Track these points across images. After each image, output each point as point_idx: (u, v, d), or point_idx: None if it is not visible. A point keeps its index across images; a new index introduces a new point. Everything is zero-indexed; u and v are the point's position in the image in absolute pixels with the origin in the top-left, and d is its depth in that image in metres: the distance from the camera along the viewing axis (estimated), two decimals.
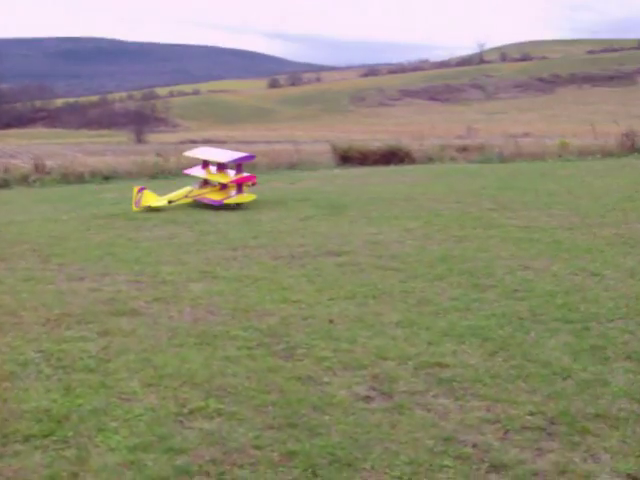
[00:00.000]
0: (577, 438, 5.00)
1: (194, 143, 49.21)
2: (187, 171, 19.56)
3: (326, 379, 6.06)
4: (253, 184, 17.74)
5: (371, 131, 74.22)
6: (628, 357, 6.36)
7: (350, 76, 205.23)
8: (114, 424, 5.29)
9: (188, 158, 20.70)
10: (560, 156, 28.51)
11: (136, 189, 16.87)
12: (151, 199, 16.76)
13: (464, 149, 31.48)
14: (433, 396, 5.72)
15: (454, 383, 5.93)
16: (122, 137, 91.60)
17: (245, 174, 17.77)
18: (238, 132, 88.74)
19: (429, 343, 6.83)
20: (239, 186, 17.29)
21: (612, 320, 7.35)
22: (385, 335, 7.09)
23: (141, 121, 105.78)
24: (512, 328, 7.16)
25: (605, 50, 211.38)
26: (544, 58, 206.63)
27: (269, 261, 10.37)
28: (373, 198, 16.51)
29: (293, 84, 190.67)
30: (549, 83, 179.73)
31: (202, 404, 5.58)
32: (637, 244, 10.82)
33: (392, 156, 27.89)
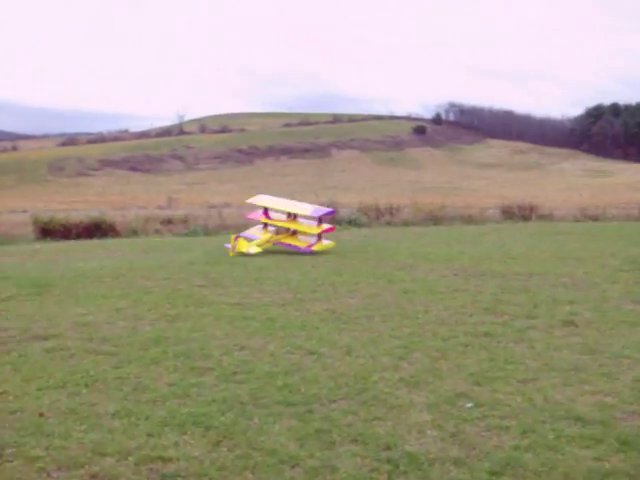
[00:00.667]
0: None
1: None
2: (251, 216, 23.34)
3: None
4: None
5: (71, 202, 72.22)
6: (354, 440, 6.28)
7: (48, 145, 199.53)
8: None
9: None
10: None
11: (233, 237, 20.30)
12: (244, 246, 20.02)
13: (169, 221, 31.32)
14: None
15: (178, 479, 5.57)
16: None
17: (327, 226, 21.73)
18: None
19: (149, 435, 6.41)
20: (319, 235, 21.01)
21: (334, 401, 7.25)
22: (102, 428, 6.58)
23: None
24: (234, 414, 6.89)
25: (301, 124, 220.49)
26: (242, 130, 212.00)
27: None
28: (79, 275, 15.78)
29: None
30: (248, 155, 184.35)
31: None
32: (350, 320, 10.92)
33: (96, 229, 27.21)
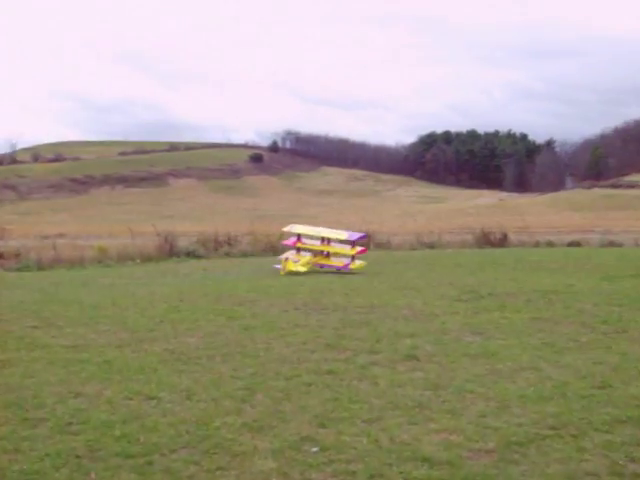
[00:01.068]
0: None
1: None
2: (286, 242, 26.69)
3: None
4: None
5: None
6: None
7: None
8: None
9: None
10: (100, 262, 28.26)
11: (283, 258, 23.93)
12: (292, 266, 23.24)
13: (0, 256, 30.13)
14: None
15: None
16: None
17: (359, 248, 25.31)
18: None
19: None
20: (353, 256, 24.60)
21: (175, 450, 6.89)
22: None
23: None
24: (69, 469, 6.45)
25: (137, 152, 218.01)
26: (77, 159, 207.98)
27: None
28: None
29: None
30: (83, 184, 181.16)
31: None
32: (189, 360, 10.54)
33: None
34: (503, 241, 41.10)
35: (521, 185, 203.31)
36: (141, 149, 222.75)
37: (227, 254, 32.90)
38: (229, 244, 34.47)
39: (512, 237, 42.75)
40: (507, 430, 7.32)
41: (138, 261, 28.92)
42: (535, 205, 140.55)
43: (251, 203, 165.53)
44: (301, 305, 15.82)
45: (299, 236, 25.68)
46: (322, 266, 24.91)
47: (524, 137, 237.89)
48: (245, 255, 32.94)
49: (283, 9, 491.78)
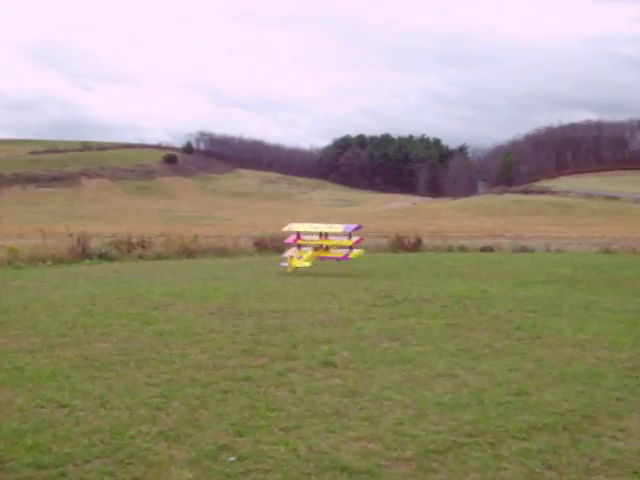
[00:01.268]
0: None
1: None
2: (287, 241, 28.19)
3: None
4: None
5: None
6: None
7: None
8: None
9: None
10: (10, 263, 27.61)
11: (288, 256, 25.62)
12: (297, 262, 24.92)
13: None
14: None
15: None
16: None
17: (355, 238, 26.38)
18: None
19: None
20: (351, 247, 26.15)
21: (89, 461, 6.68)
22: None
23: None
24: None
25: (49, 151, 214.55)
26: None
27: None
28: None
29: None
30: None
31: None
32: (103, 366, 10.27)
33: None
34: (417, 245, 41.51)
35: (434, 190, 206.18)
36: (53, 148, 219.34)
37: (141, 256, 32.44)
38: (143, 246, 33.99)
39: (426, 241, 43.22)
40: (425, 438, 7.32)
41: (50, 263, 28.30)
42: (448, 210, 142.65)
43: (165, 204, 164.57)
44: (216, 310, 15.62)
45: (298, 233, 27.16)
46: (323, 259, 26.56)
47: (437, 142, 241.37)
48: (159, 258, 32.55)
49: (195, 10, 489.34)
